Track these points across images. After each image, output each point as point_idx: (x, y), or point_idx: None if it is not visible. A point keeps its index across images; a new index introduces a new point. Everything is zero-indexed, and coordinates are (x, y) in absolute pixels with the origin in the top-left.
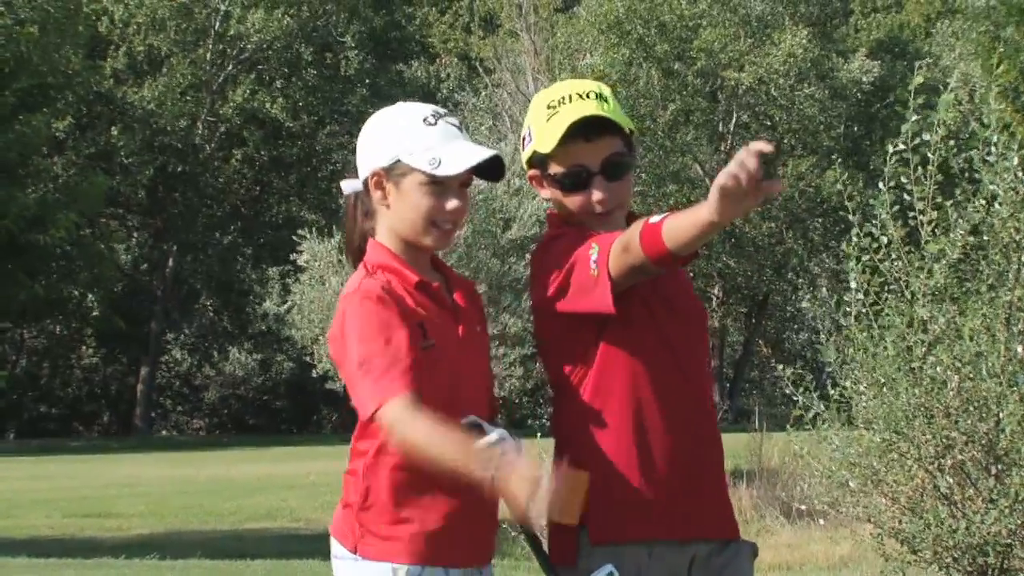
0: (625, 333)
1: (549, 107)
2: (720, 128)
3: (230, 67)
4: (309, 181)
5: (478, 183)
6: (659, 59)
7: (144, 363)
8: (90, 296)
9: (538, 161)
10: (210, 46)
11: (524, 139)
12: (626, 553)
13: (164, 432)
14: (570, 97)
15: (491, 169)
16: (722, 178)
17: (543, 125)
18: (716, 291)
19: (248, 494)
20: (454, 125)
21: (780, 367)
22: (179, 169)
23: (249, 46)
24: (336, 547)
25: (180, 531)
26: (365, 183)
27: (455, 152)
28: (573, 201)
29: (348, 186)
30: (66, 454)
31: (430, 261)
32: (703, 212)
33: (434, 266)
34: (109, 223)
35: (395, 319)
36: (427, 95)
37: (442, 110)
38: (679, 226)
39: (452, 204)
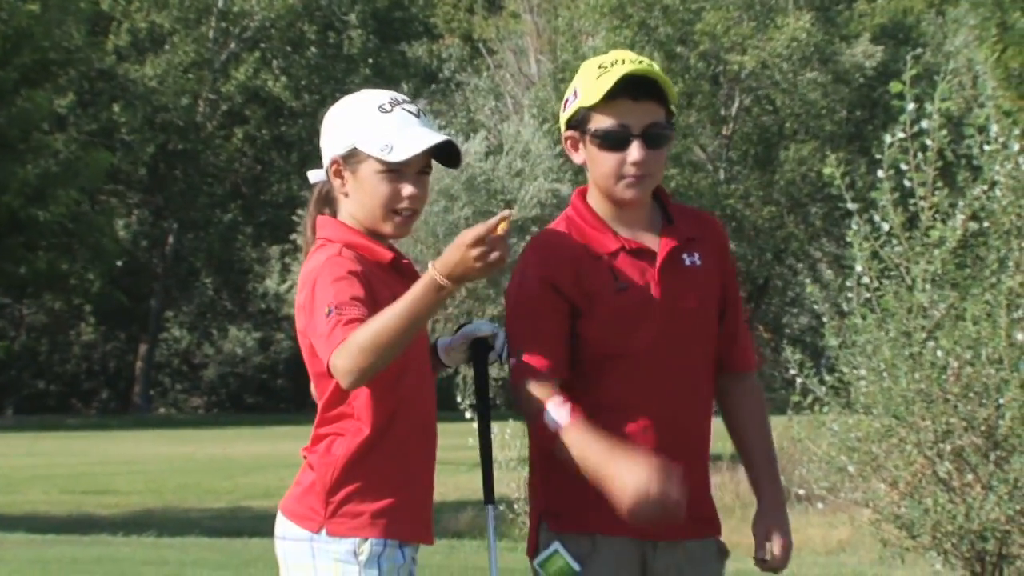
0: (595, 329)
1: (600, 67)
2: (722, 112)
3: (233, 45)
4: (310, 160)
5: (476, 167)
6: (661, 42)
7: (143, 341)
8: (90, 273)
9: (579, 119)
10: (213, 24)
11: (566, 102)
12: (574, 538)
13: (162, 410)
14: (623, 60)
15: (453, 154)
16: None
17: (592, 82)
18: None
19: (246, 472)
20: (411, 112)
21: (788, 349)
22: (180, 147)
23: (252, 24)
24: (290, 529)
25: (178, 509)
26: (327, 172)
27: (408, 138)
28: (608, 160)
29: (314, 176)
30: (64, 431)
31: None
32: (602, 473)
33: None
34: (109, 200)
35: (363, 292)
36: (429, 75)
37: (401, 97)
38: (576, 459)
39: (408, 191)
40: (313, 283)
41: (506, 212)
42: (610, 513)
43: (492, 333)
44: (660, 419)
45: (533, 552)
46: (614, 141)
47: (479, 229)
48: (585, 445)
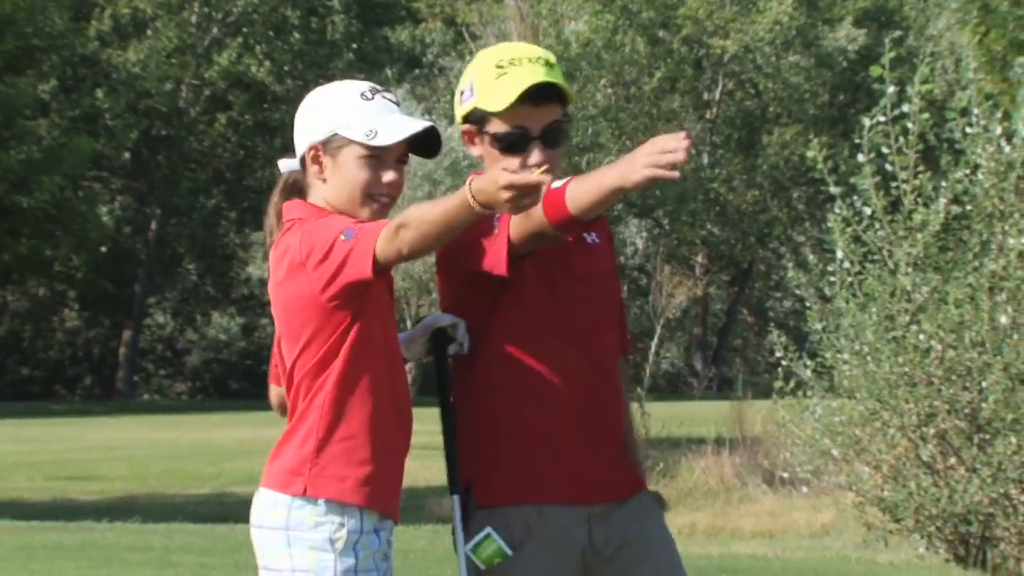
0: (517, 300)
1: (498, 67)
2: (705, 96)
3: (216, 30)
4: (294, 146)
5: (459, 151)
6: (644, 26)
7: (127, 327)
8: (73, 259)
9: (477, 118)
10: (196, 9)
11: (462, 93)
12: (512, 513)
13: (146, 396)
14: (520, 60)
15: (430, 146)
16: (649, 172)
17: (490, 82)
18: (700, 259)
19: (230, 458)
20: (391, 100)
21: (774, 332)
22: (163, 132)
23: (235, 9)
24: (265, 517)
25: (162, 495)
26: (302, 159)
27: (391, 124)
28: (508, 163)
29: (285, 165)
30: (48, 417)
31: None
32: (611, 178)
33: None
34: (93, 186)
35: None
36: (412, 60)
37: (379, 86)
38: (584, 191)
39: (389, 177)
40: (309, 234)
41: (545, 177)
42: (550, 477)
43: (452, 324)
44: (584, 389)
45: (467, 523)
46: (514, 145)
47: (517, 179)
48: (592, 174)
